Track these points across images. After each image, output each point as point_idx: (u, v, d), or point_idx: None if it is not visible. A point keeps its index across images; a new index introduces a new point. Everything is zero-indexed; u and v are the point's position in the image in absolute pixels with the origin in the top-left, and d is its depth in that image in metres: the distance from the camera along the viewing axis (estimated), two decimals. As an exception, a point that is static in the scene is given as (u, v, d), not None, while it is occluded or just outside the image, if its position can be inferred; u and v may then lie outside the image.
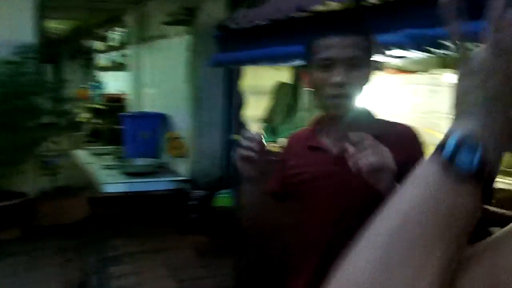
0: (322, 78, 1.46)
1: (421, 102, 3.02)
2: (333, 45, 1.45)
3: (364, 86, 1.49)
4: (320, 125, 1.62)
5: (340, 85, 1.44)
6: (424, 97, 2.98)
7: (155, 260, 4.38)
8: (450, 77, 2.69)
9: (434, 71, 2.77)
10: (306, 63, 1.56)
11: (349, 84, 1.45)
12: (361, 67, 1.46)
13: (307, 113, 3.90)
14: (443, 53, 2.07)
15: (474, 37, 0.60)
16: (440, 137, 0.55)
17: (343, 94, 1.45)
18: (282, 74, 4.35)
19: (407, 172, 1.44)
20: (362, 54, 1.47)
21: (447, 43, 1.97)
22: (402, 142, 1.48)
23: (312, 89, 1.53)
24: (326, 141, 1.57)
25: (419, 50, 2.16)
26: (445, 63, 2.90)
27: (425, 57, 2.21)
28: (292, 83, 4.29)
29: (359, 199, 1.48)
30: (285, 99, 4.17)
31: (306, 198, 1.58)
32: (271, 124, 4.11)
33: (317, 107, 1.58)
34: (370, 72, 1.50)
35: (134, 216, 5.10)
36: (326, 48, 1.46)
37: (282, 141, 3.72)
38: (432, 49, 2.10)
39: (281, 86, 4.24)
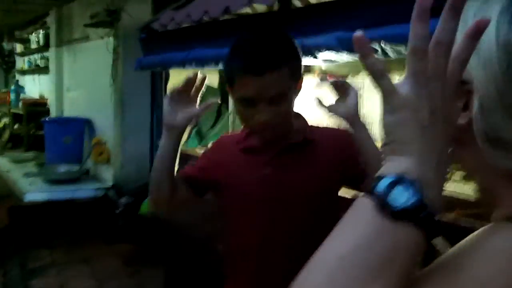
0: (245, 114, 1.39)
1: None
2: (254, 85, 1.32)
3: (292, 109, 1.43)
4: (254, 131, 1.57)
5: (265, 122, 1.35)
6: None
7: (81, 270, 4.24)
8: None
9: (364, 75, 2.81)
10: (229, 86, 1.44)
11: (274, 118, 1.36)
12: (287, 97, 1.37)
13: (236, 117, 3.88)
14: None
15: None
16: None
17: (270, 128, 1.39)
18: (209, 77, 4.30)
19: (349, 172, 1.43)
20: (287, 85, 1.36)
21: (378, 46, 2.00)
22: (339, 145, 1.49)
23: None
24: (259, 144, 1.51)
25: (349, 53, 2.18)
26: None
27: (355, 60, 2.23)
28: (219, 87, 4.26)
29: (292, 202, 1.47)
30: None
31: (237, 201, 1.53)
32: (198, 129, 4.05)
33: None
34: (299, 88, 1.44)
35: (58, 225, 4.90)
36: (246, 88, 1.33)
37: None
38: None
39: (208, 90, 4.19)
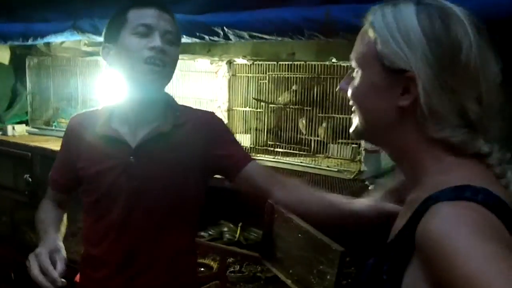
0: (138, 43, 1.38)
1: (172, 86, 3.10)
2: (153, 15, 1.40)
3: (173, 70, 1.46)
4: (115, 109, 1.51)
5: (160, 49, 1.38)
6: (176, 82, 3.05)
7: None
8: (201, 63, 2.85)
9: (186, 56, 2.90)
10: (109, 37, 1.45)
11: (167, 53, 1.40)
12: (175, 45, 1.44)
13: (35, 97, 3.67)
14: (211, 39, 2.20)
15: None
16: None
17: (162, 60, 1.39)
18: (-1, 54, 3.95)
19: (217, 161, 1.49)
20: (177, 32, 1.45)
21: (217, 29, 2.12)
22: (207, 127, 1.52)
23: (121, 63, 1.42)
24: (122, 129, 1.48)
25: (189, 36, 2.25)
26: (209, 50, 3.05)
27: (188, 41, 2.32)
28: (11, 64, 3.94)
29: (163, 194, 1.45)
30: (6, 82, 3.82)
31: (101, 196, 1.48)
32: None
33: (128, 80, 1.44)
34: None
35: None
36: (144, 16, 1.40)
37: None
38: (201, 35, 2.22)
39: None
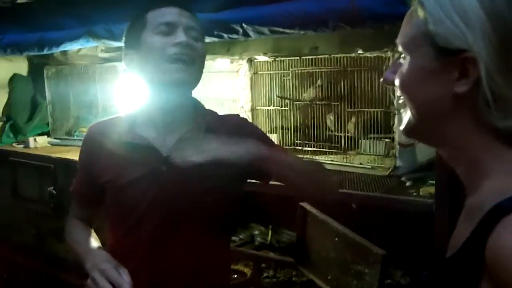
0: (162, 42, 1.33)
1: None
2: (173, 12, 1.36)
3: (202, 68, 1.39)
4: (139, 116, 1.43)
5: (186, 44, 1.31)
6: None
7: None
8: (222, 63, 2.76)
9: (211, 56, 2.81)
10: (129, 42, 1.40)
11: (193, 48, 1.33)
12: (200, 41, 1.38)
13: (55, 107, 3.62)
14: (230, 37, 2.12)
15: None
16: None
17: (189, 55, 1.32)
18: (16, 65, 3.91)
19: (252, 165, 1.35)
20: (200, 28, 1.40)
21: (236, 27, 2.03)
22: (241, 132, 1.42)
23: (146, 67, 1.35)
24: (150, 135, 1.39)
25: (207, 35, 2.16)
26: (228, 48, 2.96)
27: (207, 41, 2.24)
28: (29, 75, 3.91)
29: (197, 206, 1.36)
30: (25, 93, 3.79)
31: (127, 207, 1.39)
32: (12, 123, 3.69)
33: (154, 84, 1.37)
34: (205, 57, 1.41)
35: None
36: (165, 15, 1.35)
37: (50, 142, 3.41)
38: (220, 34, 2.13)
39: (18, 79, 3.83)
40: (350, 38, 2.45)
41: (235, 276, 2.81)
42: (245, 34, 2.06)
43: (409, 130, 0.83)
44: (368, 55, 2.29)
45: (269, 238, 2.70)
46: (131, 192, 1.37)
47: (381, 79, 0.87)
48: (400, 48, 0.80)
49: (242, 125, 1.49)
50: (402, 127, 0.84)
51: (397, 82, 0.81)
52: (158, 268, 1.38)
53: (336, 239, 1.95)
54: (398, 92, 0.83)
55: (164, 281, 1.39)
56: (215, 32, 2.12)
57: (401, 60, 0.81)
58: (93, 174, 1.43)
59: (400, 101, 0.84)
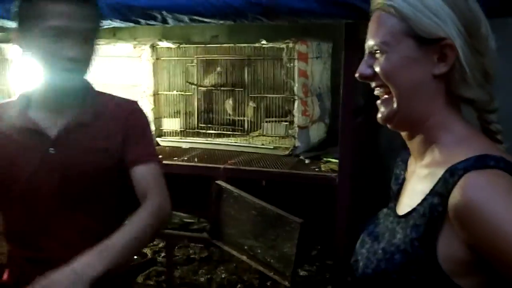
0: (51, 50, 1.30)
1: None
2: (65, 14, 1.29)
3: (92, 60, 1.40)
4: (36, 97, 1.43)
5: (74, 60, 1.32)
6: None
7: None
8: (124, 48, 2.75)
9: (109, 40, 2.79)
10: (21, 26, 1.34)
11: (82, 59, 1.35)
12: (92, 40, 1.38)
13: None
14: (147, 24, 2.14)
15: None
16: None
17: (77, 69, 1.35)
18: None
19: (129, 141, 1.41)
20: (94, 26, 1.38)
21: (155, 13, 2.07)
22: (123, 114, 1.48)
23: (33, 57, 1.34)
24: (40, 117, 1.40)
25: (123, 21, 2.17)
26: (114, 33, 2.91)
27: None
28: None
29: (85, 186, 1.40)
30: None
31: (21, 198, 1.40)
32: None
33: (42, 77, 1.38)
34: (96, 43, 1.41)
35: None
36: (56, 16, 1.29)
37: None
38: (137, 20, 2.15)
39: None
40: (250, 28, 2.63)
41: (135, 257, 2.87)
42: (164, 21, 2.13)
43: (390, 118, 1.00)
44: (271, 45, 2.50)
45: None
46: (20, 174, 1.39)
47: (356, 75, 1.03)
48: (376, 46, 0.97)
49: (133, 113, 1.52)
50: (380, 116, 1.02)
51: (381, 74, 0.97)
52: (50, 249, 1.40)
53: (253, 211, 2.14)
54: (373, 84, 1.01)
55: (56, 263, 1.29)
56: (132, 18, 2.16)
57: (377, 55, 0.98)
58: None
59: (376, 92, 1.02)
